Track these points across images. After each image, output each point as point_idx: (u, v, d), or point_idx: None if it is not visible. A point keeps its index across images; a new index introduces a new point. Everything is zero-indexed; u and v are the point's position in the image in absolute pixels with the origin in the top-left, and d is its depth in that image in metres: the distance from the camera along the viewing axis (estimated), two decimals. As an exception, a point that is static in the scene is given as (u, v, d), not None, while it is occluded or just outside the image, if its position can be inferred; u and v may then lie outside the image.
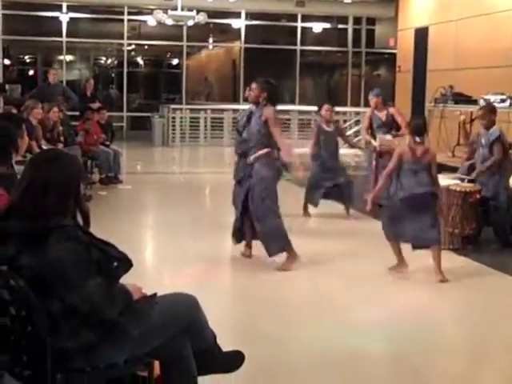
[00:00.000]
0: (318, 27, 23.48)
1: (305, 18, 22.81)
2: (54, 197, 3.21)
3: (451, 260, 7.20)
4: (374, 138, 9.81)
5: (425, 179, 6.67)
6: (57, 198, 3.22)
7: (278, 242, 6.85)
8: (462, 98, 10.94)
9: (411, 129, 6.83)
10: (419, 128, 6.81)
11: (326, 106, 9.57)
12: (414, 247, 6.91)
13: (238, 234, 7.24)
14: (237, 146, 7.26)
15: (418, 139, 6.70)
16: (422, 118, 7.90)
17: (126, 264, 3.34)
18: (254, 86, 6.98)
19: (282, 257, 6.95)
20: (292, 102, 22.78)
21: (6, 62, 22.36)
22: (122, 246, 3.38)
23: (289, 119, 20.33)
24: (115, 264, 3.30)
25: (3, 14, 21.11)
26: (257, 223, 6.89)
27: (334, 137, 9.66)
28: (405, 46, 17.39)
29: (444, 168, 9.28)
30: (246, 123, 7.03)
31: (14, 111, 9.60)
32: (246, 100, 8.19)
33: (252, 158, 6.84)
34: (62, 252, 3.07)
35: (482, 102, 9.98)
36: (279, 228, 6.85)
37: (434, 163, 6.79)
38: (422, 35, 16.39)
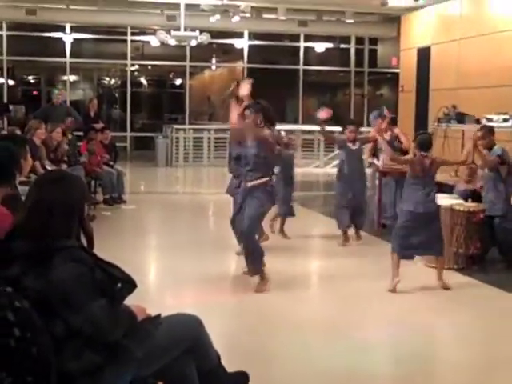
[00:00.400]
0: (320, 47, 23.55)
1: (307, 38, 22.89)
2: (58, 218, 3.21)
3: (456, 280, 7.19)
4: (378, 158, 9.81)
5: (433, 194, 6.83)
6: (61, 219, 3.22)
7: (259, 262, 6.86)
8: (465, 118, 10.94)
9: (417, 143, 6.94)
10: (425, 142, 6.92)
11: (350, 128, 9.34)
12: (424, 254, 7.31)
13: None
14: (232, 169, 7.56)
15: (424, 153, 6.81)
16: (427, 133, 7.98)
17: (129, 285, 3.34)
18: (247, 112, 6.95)
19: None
20: (295, 121, 22.82)
21: (10, 82, 22.45)
22: (125, 267, 3.38)
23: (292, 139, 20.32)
24: (119, 285, 3.30)
25: (8, 35, 21.23)
26: (245, 239, 6.92)
27: (358, 155, 9.39)
28: (407, 66, 17.44)
29: (447, 188, 9.26)
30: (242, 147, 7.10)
31: (18, 132, 9.63)
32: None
33: (249, 185, 6.84)
34: (66, 273, 3.07)
35: (484, 122, 9.98)
36: (260, 249, 6.88)
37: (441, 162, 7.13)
38: (424, 55, 16.44)
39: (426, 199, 6.81)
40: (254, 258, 6.84)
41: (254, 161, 6.83)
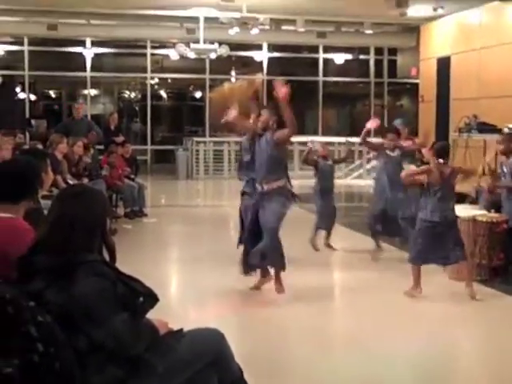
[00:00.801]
0: (339, 58, 23.56)
1: (326, 50, 22.92)
2: (80, 232, 3.22)
3: (479, 291, 7.11)
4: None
5: (452, 203, 6.79)
6: (83, 233, 3.23)
7: (275, 259, 6.88)
8: (486, 128, 10.88)
9: (434, 151, 6.89)
10: (443, 150, 6.88)
11: (389, 136, 9.07)
12: (445, 264, 7.17)
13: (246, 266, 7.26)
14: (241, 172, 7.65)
15: (442, 161, 6.76)
16: (445, 141, 7.93)
17: (151, 299, 3.34)
18: (263, 112, 7.00)
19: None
20: (315, 132, 22.81)
21: (32, 97, 22.64)
22: (147, 281, 3.38)
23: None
24: (141, 299, 3.30)
25: (29, 51, 21.44)
26: (266, 235, 6.90)
27: (398, 162, 8.97)
28: (427, 76, 17.39)
29: (469, 198, 9.20)
30: (251, 147, 7.10)
31: (40, 146, 9.68)
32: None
33: (266, 188, 6.83)
34: (89, 288, 3.08)
35: (506, 131, 9.92)
36: (280, 247, 6.88)
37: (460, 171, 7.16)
38: (444, 65, 16.39)
39: (443, 208, 6.76)
40: (275, 254, 6.84)
41: (268, 163, 6.83)
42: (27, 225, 3.86)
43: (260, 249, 6.91)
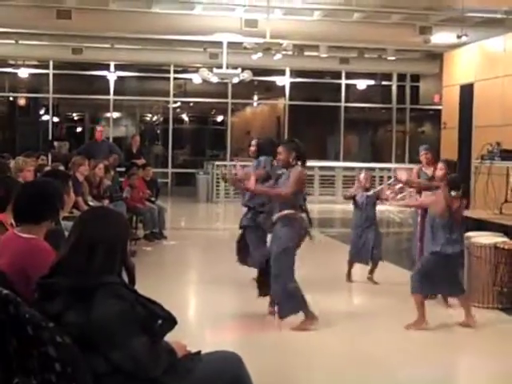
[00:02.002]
0: (362, 84, 23.60)
1: (349, 75, 22.97)
2: (101, 254, 3.23)
3: (499, 320, 7.04)
4: (420, 195, 9.67)
5: (458, 236, 6.72)
6: (104, 255, 3.24)
7: (291, 303, 6.75)
8: (509, 155, 10.81)
9: (447, 182, 6.85)
10: (455, 182, 6.82)
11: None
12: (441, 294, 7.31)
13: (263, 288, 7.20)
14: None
15: (453, 193, 6.70)
16: (457, 174, 7.79)
17: (170, 322, 3.34)
18: (280, 149, 6.97)
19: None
20: (336, 158, 22.82)
21: (55, 119, 22.85)
22: (165, 303, 3.37)
23: (333, 176, 20.32)
24: (159, 322, 3.30)
25: (54, 74, 21.68)
26: (272, 281, 6.84)
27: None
28: (450, 103, 17.35)
29: (491, 225, 9.12)
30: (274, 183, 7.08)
31: (62, 168, 9.75)
32: (249, 156, 8.52)
33: (275, 216, 6.79)
34: (108, 310, 3.08)
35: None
36: (292, 289, 6.74)
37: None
38: (467, 91, 16.34)
39: (451, 241, 6.70)
40: (285, 299, 6.74)
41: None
42: (48, 246, 3.89)
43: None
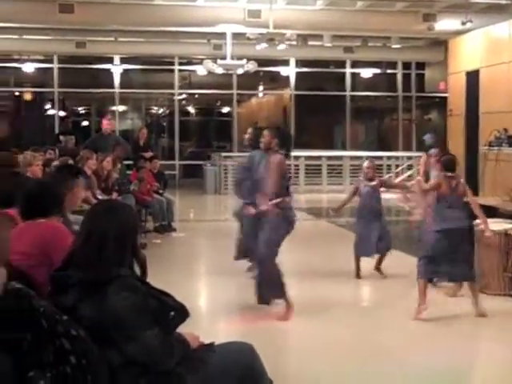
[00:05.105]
0: (367, 73, 23.54)
1: (354, 64, 22.93)
2: (111, 247, 3.25)
3: (511, 306, 7.03)
4: None
5: (461, 213, 6.76)
6: (115, 248, 3.26)
7: (272, 289, 6.78)
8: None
9: (441, 164, 6.93)
10: (449, 163, 6.91)
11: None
12: (450, 280, 7.15)
13: None
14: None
15: (449, 174, 6.76)
16: (451, 154, 7.78)
17: (182, 313, 3.35)
18: (265, 132, 7.03)
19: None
20: (343, 147, 22.79)
21: (62, 113, 22.87)
22: (177, 295, 3.38)
23: (340, 165, 20.28)
24: (172, 313, 3.31)
25: (59, 68, 21.70)
26: (258, 266, 6.88)
27: None
28: (456, 90, 17.31)
29: (500, 212, 9.10)
30: (252, 167, 7.11)
31: (71, 162, 9.75)
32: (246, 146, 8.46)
33: (263, 206, 6.78)
34: (121, 302, 3.10)
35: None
36: (276, 275, 6.76)
37: (469, 194, 6.97)
38: (473, 78, 16.30)
39: (453, 216, 6.71)
40: (271, 284, 6.76)
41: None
42: (65, 228, 4.02)
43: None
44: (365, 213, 8.76)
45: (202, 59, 19.14)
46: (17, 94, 23.84)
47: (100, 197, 9.58)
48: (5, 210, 4.54)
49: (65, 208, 4.46)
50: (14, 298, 3.01)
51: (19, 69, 22.37)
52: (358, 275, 8.62)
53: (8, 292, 3.00)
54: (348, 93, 23.16)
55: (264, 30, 16.05)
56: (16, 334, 2.91)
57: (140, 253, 3.58)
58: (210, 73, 18.78)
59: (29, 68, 22.38)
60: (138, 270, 3.54)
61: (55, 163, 9.54)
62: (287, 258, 7.52)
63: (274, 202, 6.67)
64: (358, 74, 23.58)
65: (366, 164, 9.06)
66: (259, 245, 6.73)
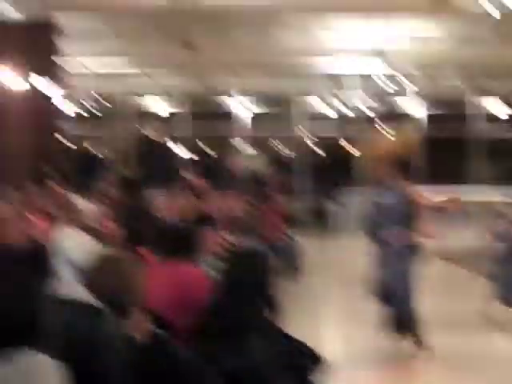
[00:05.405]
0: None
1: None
2: (248, 294, 3.26)
3: None
4: None
5: None
6: (252, 296, 3.27)
7: (409, 327, 6.59)
8: None
9: None
10: None
11: None
12: None
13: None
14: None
15: None
16: None
17: (316, 360, 3.32)
18: (386, 165, 6.82)
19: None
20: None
21: (189, 154, 23.45)
22: (309, 341, 3.35)
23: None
24: (306, 361, 3.28)
25: (187, 109, 22.37)
26: (390, 305, 6.67)
27: None
28: None
29: None
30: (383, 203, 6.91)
31: (202, 204, 9.86)
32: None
33: (393, 237, 6.61)
34: (260, 352, 3.09)
35: None
36: (412, 313, 6.58)
37: None
38: None
39: None
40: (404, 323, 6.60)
41: (397, 212, 6.62)
42: (202, 272, 4.08)
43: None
44: (506, 255, 8.41)
45: (322, 94, 19.14)
46: (146, 133, 24.58)
47: (228, 237, 9.64)
48: (135, 247, 4.64)
49: (201, 252, 4.51)
50: (156, 345, 3.05)
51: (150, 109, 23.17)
52: (489, 320, 8.23)
53: (152, 339, 3.04)
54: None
55: (387, 68, 15.88)
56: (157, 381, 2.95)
57: (275, 300, 3.59)
58: (336, 109, 18.74)
59: (159, 108, 23.13)
60: (272, 317, 3.54)
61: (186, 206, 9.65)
62: (428, 304, 7.31)
63: (403, 233, 6.54)
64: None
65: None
66: (390, 279, 6.62)
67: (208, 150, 26.68)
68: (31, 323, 2.40)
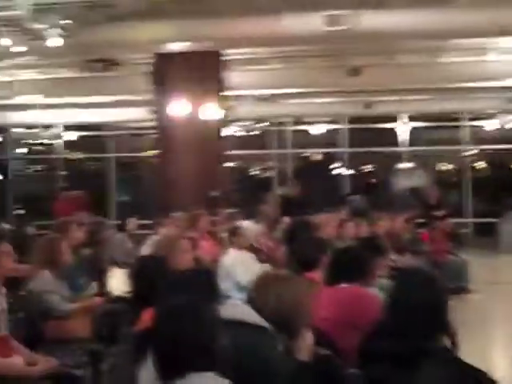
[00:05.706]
0: None
1: None
2: (421, 318, 3.13)
3: None
4: None
5: None
6: (424, 319, 3.14)
7: None
8: None
9: None
10: None
11: None
12: None
13: None
14: None
15: None
16: None
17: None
18: None
19: None
20: None
21: (349, 172, 23.40)
22: (482, 366, 3.15)
23: None
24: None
25: (348, 129, 22.34)
26: None
27: None
28: None
29: None
30: None
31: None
32: None
33: None
34: (436, 380, 2.95)
35: None
36: None
37: None
38: None
39: None
40: None
41: None
42: (371, 292, 4.02)
43: None
44: None
45: (493, 113, 18.61)
46: (306, 155, 24.73)
47: (393, 257, 9.48)
48: (307, 273, 4.64)
49: (370, 274, 4.45)
50: (323, 365, 3.00)
51: (306, 131, 23.27)
52: None
53: (316, 358, 3.00)
54: None
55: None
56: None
57: (451, 325, 3.43)
58: (500, 128, 18.18)
59: (316, 130, 23.22)
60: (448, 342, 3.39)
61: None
62: None
63: None
64: None
65: None
66: None
67: (365, 168, 26.57)
68: (211, 347, 2.42)
